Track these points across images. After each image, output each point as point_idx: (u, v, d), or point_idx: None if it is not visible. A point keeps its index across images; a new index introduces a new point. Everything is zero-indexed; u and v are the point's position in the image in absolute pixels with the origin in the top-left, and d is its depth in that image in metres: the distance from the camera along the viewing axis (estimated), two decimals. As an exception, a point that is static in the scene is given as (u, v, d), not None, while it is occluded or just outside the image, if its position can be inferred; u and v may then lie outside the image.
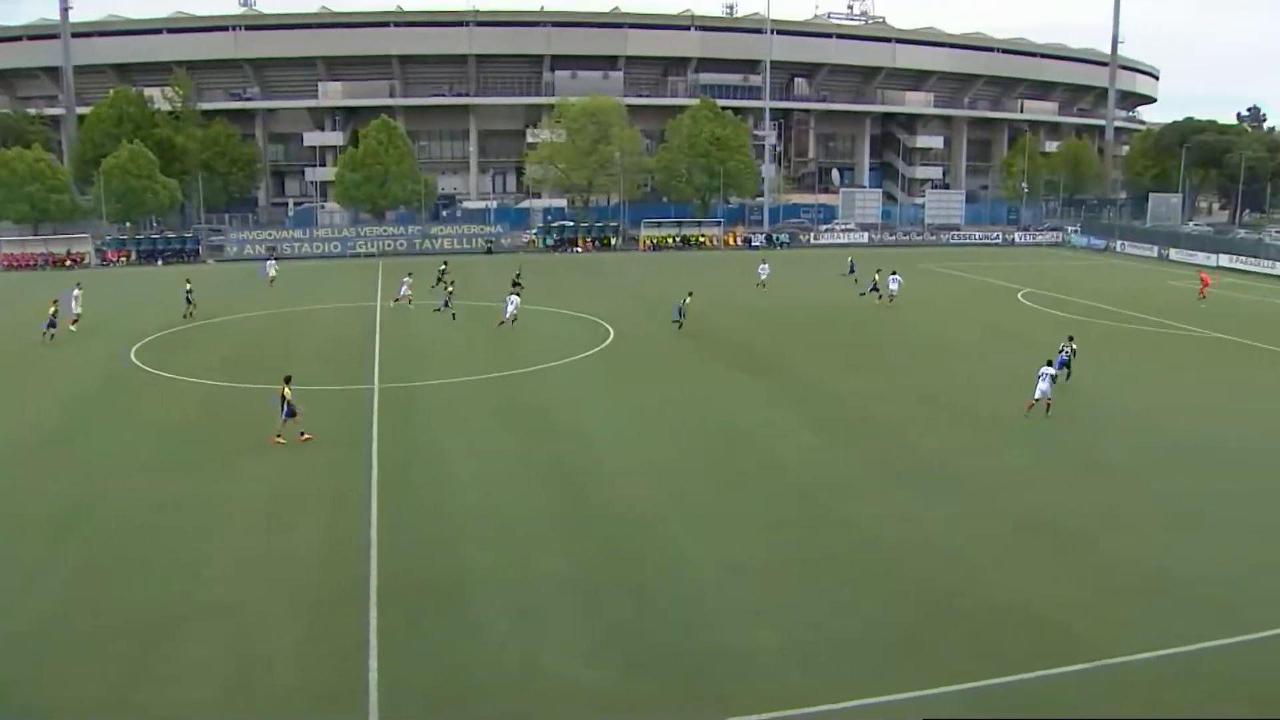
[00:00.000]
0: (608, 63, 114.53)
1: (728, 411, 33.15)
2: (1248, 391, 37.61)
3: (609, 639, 17.72)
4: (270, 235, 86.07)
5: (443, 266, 62.16)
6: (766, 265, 62.72)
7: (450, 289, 52.61)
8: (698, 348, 44.13)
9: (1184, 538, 22.69)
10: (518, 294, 50.41)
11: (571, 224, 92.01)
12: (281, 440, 28.68)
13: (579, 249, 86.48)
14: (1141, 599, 19.53)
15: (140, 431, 30.68)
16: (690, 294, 49.10)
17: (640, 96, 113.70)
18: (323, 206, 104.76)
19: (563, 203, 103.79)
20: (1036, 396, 33.08)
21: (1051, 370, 34.11)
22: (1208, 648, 17.51)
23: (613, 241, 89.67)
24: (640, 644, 17.51)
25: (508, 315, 47.65)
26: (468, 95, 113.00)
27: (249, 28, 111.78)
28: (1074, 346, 38.41)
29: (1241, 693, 16.33)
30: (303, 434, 28.96)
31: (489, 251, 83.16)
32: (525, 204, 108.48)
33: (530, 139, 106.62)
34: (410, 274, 57.50)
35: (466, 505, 24.08)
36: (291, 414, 28.71)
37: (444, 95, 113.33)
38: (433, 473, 26.58)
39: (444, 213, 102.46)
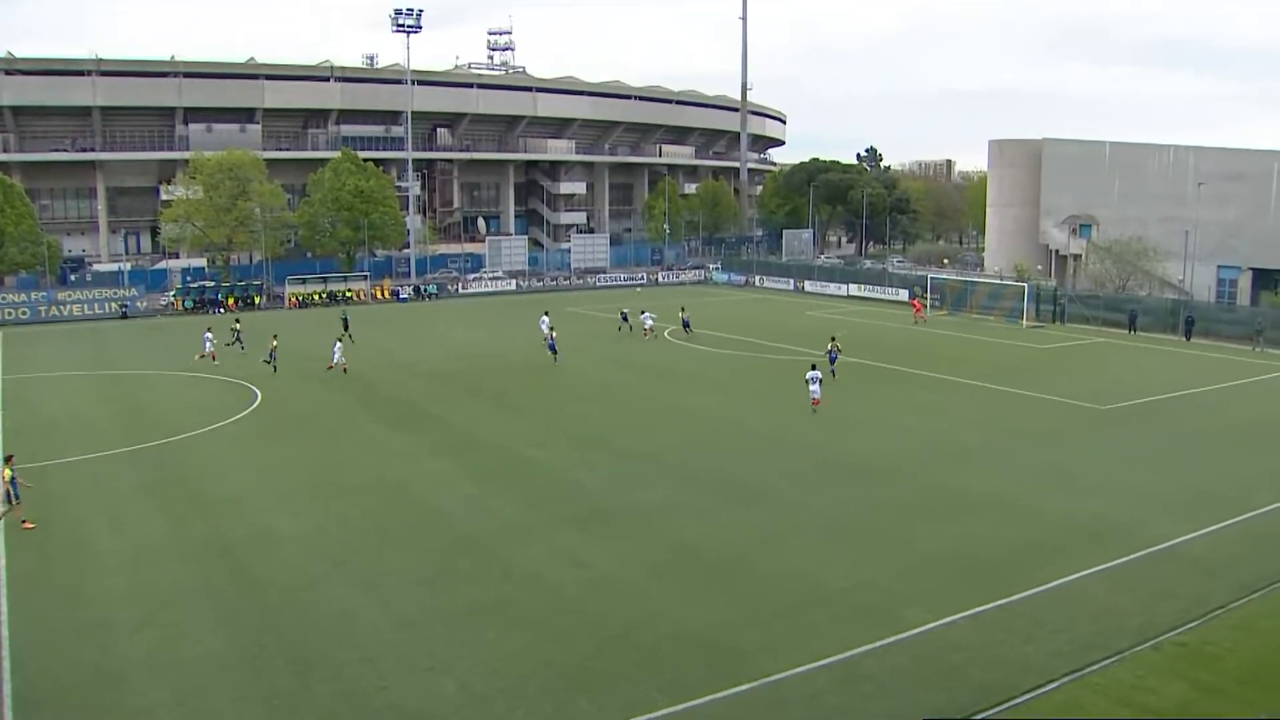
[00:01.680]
0: (245, 115, 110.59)
1: (386, 467, 33.13)
2: (886, 411, 41.38)
3: (275, 715, 17.34)
4: None
5: (236, 325, 60.24)
6: (547, 318, 60.38)
7: (275, 341, 52.12)
8: (353, 405, 43.65)
9: (835, 552, 24.84)
10: (343, 340, 53.08)
11: (213, 284, 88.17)
12: None
13: (222, 310, 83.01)
14: (799, 613, 21.18)
15: None
16: (553, 328, 55.03)
17: (280, 149, 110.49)
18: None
19: (203, 262, 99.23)
20: (815, 398, 39.18)
21: (819, 374, 40.15)
22: (863, 651, 19.22)
23: (258, 300, 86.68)
24: (309, 717, 17.26)
25: (336, 361, 49.65)
26: (93, 150, 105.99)
27: None
28: (839, 346, 46.49)
29: (896, 687, 18.01)
30: (24, 521, 27.01)
31: (124, 316, 78.49)
32: (163, 264, 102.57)
33: (165, 196, 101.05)
34: (210, 329, 56.65)
35: (113, 589, 22.88)
36: (17, 496, 26.88)
37: (66, 150, 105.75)
38: (72, 557, 25.04)
39: (72, 277, 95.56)
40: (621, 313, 66.62)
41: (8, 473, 26.99)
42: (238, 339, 57.91)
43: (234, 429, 39.28)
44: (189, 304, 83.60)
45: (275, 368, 50.42)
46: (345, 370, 49.41)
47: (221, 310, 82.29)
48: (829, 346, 47.52)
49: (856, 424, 39.18)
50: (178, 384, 48.68)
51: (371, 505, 29.04)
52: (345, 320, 61.81)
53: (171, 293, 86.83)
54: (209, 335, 55.48)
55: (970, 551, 24.71)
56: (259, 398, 44.68)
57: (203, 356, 54.34)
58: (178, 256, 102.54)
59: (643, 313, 64.04)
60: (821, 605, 21.59)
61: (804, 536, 25.98)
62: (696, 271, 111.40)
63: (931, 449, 35.13)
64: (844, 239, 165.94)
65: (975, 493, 29.68)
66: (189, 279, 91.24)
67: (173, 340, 64.07)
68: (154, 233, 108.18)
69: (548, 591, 22.44)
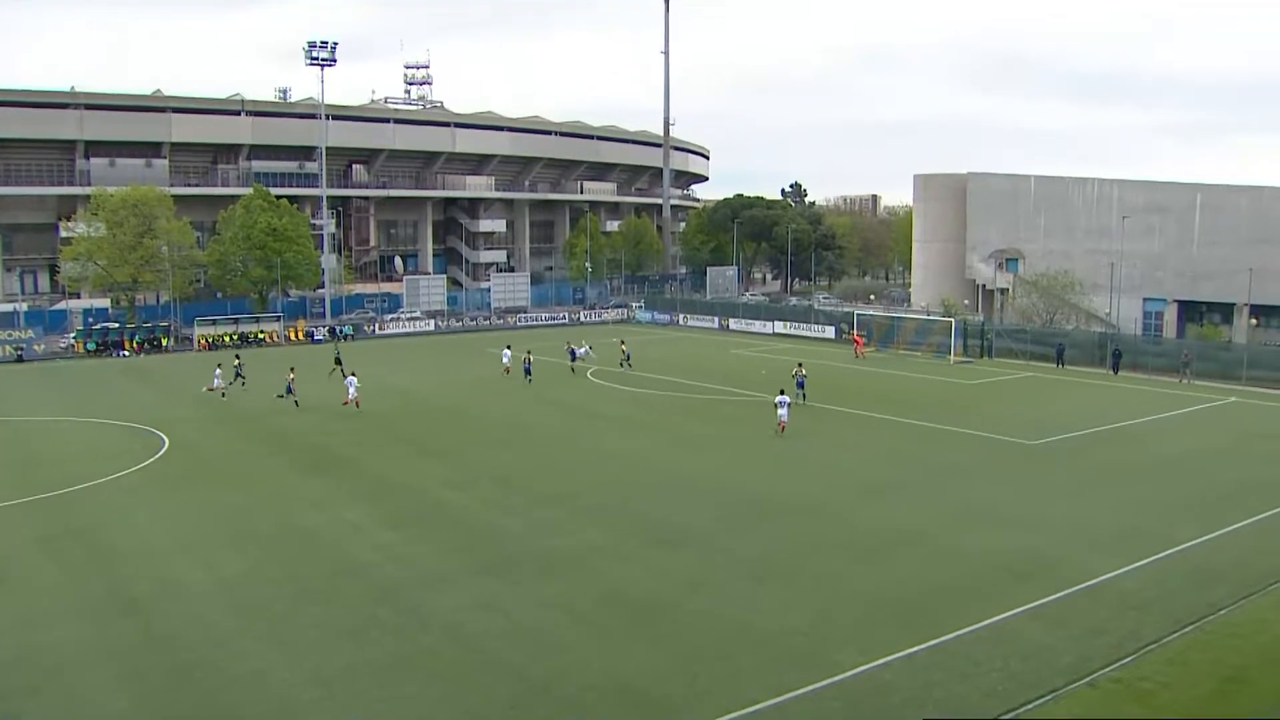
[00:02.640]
0: (151, 149, 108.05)
1: (299, 514, 31.97)
2: (814, 449, 41.27)
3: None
4: None
5: (237, 361, 60.17)
6: (507, 350, 63.52)
7: (292, 373, 52.94)
8: (263, 450, 42.38)
9: (764, 594, 24.29)
10: (347, 373, 52.78)
11: (117, 325, 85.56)
12: None
13: (126, 352, 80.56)
14: (728, 658, 20.55)
15: None
16: (529, 352, 58.60)
17: (188, 185, 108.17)
18: None
19: (106, 302, 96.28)
20: (781, 421, 40.86)
21: (787, 399, 41.92)
22: (794, 695, 18.70)
23: (165, 342, 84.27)
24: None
25: (351, 397, 49.81)
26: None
27: None
28: (804, 372, 49.86)
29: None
30: None
31: (19, 360, 75.73)
32: (62, 305, 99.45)
33: (64, 233, 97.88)
34: (220, 365, 56.92)
35: (2, 652, 21.38)
36: None
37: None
38: (-43, 619, 23.46)
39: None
40: (571, 349, 66.56)
41: None
42: (239, 374, 57.46)
43: (138, 477, 37.63)
44: (91, 346, 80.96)
45: (297, 402, 50.62)
46: (358, 404, 49.59)
47: (124, 353, 79.89)
48: (794, 372, 50.85)
49: (783, 463, 38.82)
50: (77, 431, 46.86)
51: (284, 555, 27.87)
52: (338, 357, 62.87)
53: (72, 335, 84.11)
54: (219, 371, 55.36)
55: (901, 591, 24.36)
56: (166, 444, 43.07)
57: (210, 390, 54.53)
58: (79, 297, 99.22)
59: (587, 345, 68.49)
60: (750, 649, 21.01)
61: (731, 579, 25.39)
62: (619, 310, 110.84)
63: (860, 487, 34.90)
64: (769, 276, 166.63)
65: (905, 531, 29.40)
66: (91, 320, 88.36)
67: (73, 385, 62.14)
68: (52, 271, 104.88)
69: (468, 642, 21.59)
